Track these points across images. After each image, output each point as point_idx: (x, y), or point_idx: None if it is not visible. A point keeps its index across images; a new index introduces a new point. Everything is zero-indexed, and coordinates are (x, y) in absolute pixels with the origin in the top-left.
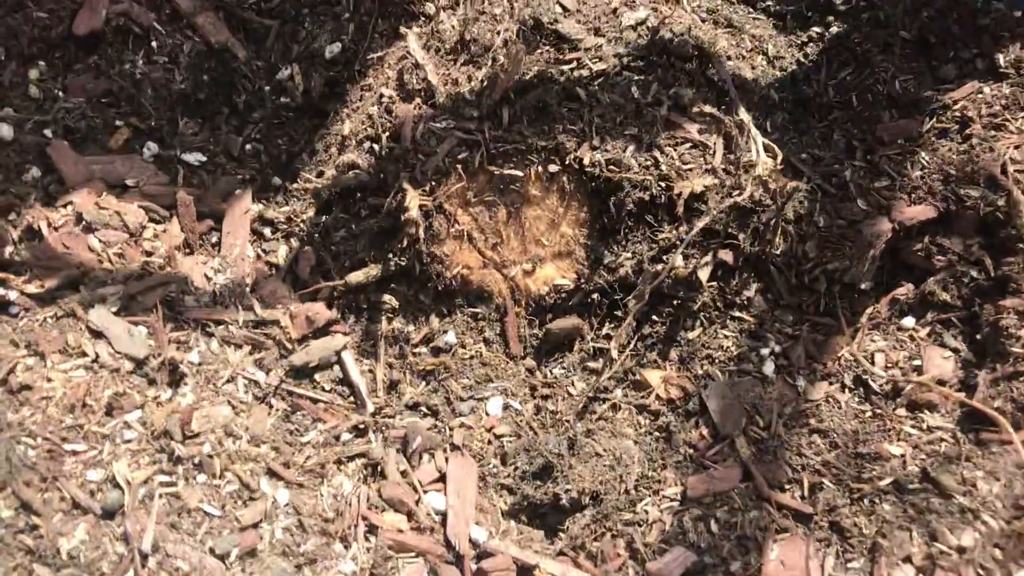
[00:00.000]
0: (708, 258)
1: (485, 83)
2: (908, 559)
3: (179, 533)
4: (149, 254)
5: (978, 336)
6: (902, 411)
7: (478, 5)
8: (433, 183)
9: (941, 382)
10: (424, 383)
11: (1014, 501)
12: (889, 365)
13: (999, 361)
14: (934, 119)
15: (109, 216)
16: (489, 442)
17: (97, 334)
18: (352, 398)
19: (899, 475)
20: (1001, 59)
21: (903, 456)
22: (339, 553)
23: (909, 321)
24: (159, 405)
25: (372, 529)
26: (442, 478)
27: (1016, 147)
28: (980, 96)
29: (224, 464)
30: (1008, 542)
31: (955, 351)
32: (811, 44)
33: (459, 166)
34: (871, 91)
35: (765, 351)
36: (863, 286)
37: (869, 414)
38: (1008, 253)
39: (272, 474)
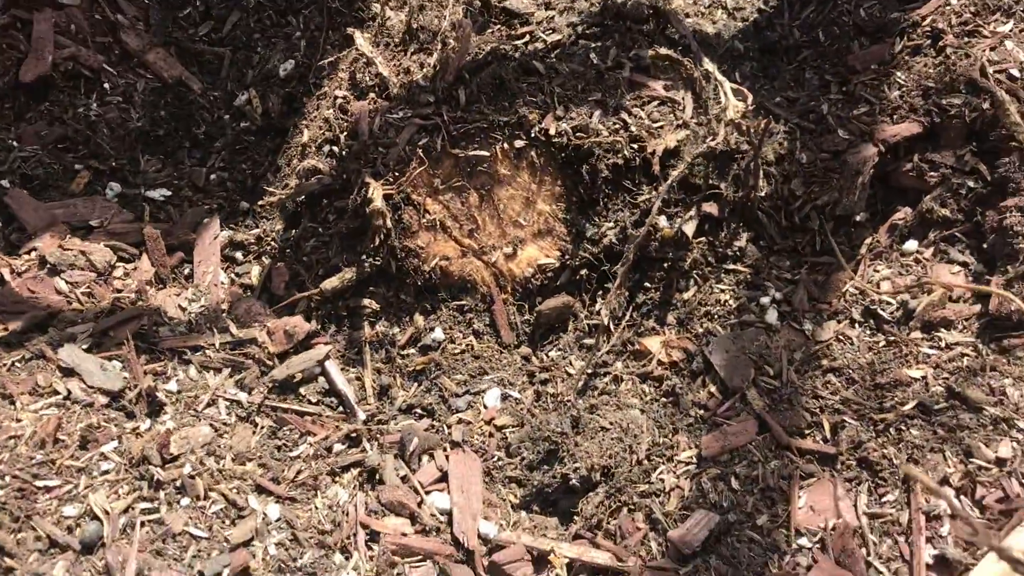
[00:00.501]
0: (692, 213)
1: (437, 67)
2: (945, 480)
3: (165, 559)
4: (119, 291)
5: (984, 245)
6: (917, 334)
7: None
8: (396, 173)
9: (953, 298)
10: (416, 384)
11: None
12: (897, 291)
13: (1010, 263)
14: (904, 39)
15: (75, 257)
16: (491, 435)
17: (68, 372)
18: (341, 408)
19: (923, 398)
20: None
21: (924, 378)
22: (340, 564)
23: (911, 244)
24: (138, 436)
25: (373, 536)
26: (444, 477)
27: (992, 48)
28: (948, 7)
29: (208, 484)
30: None
31: (964, 265)
32: None
33: (420, 152)
34: (836, 24)
35: (766, 300)
36: (858, 217)
37: (883, 344)
38: (1002, 154)
39: (261, 490)
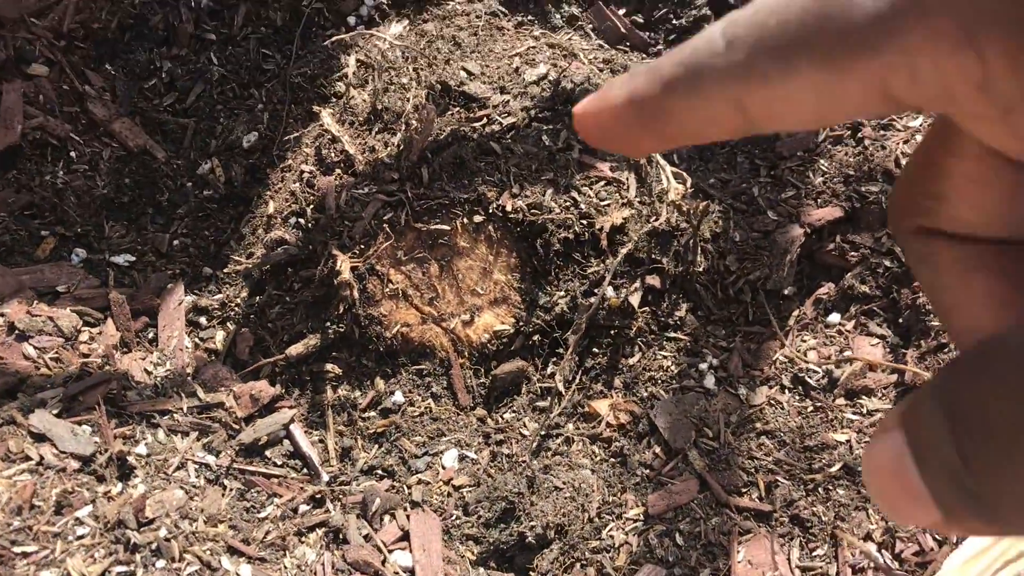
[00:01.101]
0: (637, 285)
1: (401, 146)
2: (869, 536)
3: None
4: (86, 356)
5: (900, 320)
6: (841, 400)
7: (386, 78)
8: (362, 246)
9: (872, 367)
10: (377, 446)
11: None
12: (822, 360)
13: (922, 338)
14: (827, 129)
15: (43, 323)
16: (449, 494)
17: (40, 437)
18: (306, 470)
19: (848, 460)
20: None
21: (848, 441)
22: None
23: (835, 317)
24: (110, 499)
25: None
26: (406, 536)
27: (905, 142)
28: None
29: (182, 546)
30: None
31: (882, 337)
32: None
33: (386, 226)
34: None
35: (704, 365)
36: (786, 291)
37: (811, 409)
38: None
39: (233, 551)
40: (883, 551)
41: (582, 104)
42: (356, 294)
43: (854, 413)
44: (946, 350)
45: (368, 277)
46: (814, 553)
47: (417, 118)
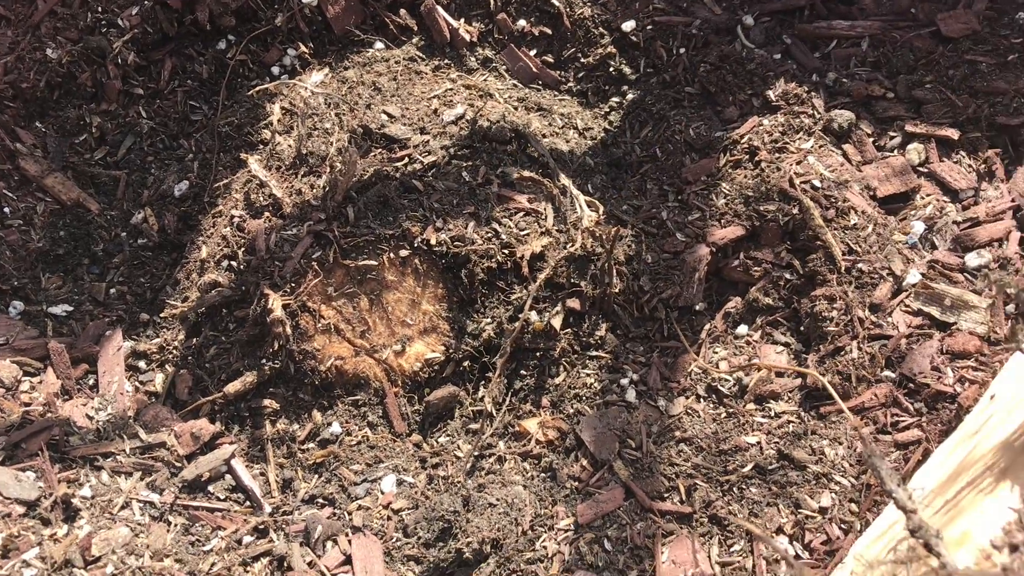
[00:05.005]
0: (558, 308)
1: (327, 187)
2: (780, 530)
3: None
4: (27, 404)
5: (801, 328)
6: (751, 406)
7: (310, 123)
8: (293, 284)
9: (779, 373)
10: (317, 476)
11: (857, 459)
12: (734, 369)
13: (821, 343)
14: (727, 154)
15: None
16: (389, 518)
17: None
18: (248, 502)
19: (759, 460)
20: (771, 95)
21: (759, 443)
22: None
23: (743, 329)
24: (56, 541)
25: None
26: (348, 560)
27: (798, 163)
28: (761, 127)
29: None
30: (860, 495)
31: (786, 345)
32: (613, 112)
33: (315, 264)
34: (671, 142)
35: (625, 381)
36: (697, 307)
37: (724, 415)
38: (810, 252)
39: None
40: (794, 542)
41: None
42: (289, 330)
43: (763, 416)
44: (842, 353)
45: (300, 314)
46: (732, 549)
47: (340, 160)
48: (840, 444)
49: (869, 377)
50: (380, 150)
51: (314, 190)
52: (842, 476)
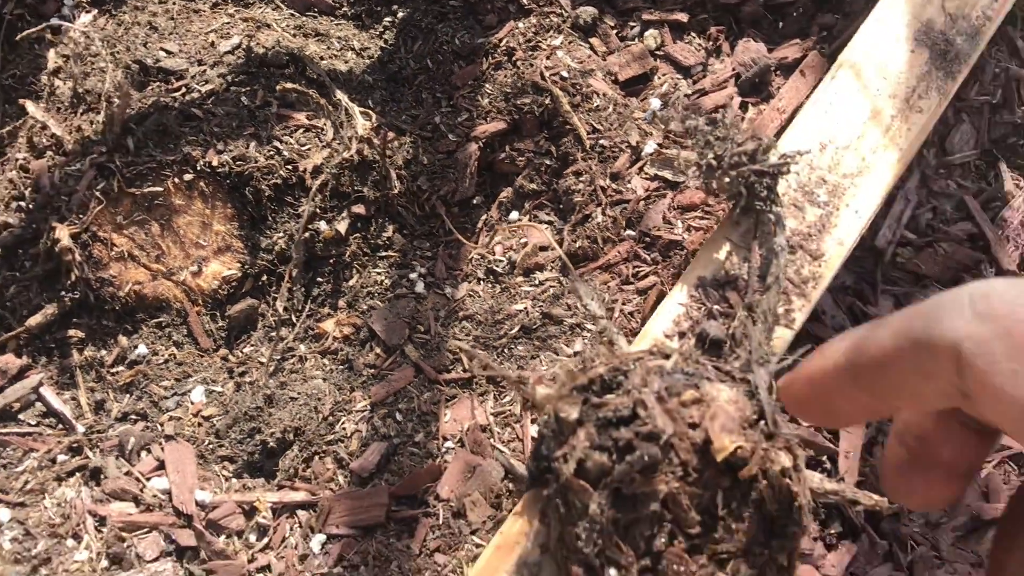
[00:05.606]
0: (344, 215)
1: (105, 122)
2: (541, 379)
3: None
4: None
5: (561, 206)
6: (520, 278)
7: (85, 65)
8: (80, 216)
9: (543, 248)
10: (128, 395)
11: (605, 306)
12: (506, 250)
13: (572, 214)
14: (489, 58)
15: None
16: (200, 424)
17: None
18: (61, 426)
19: (524, 322)
20: (524, 0)
21: (525, 308)
22: (71, 547)
23: (515, 215)
24: None
25: (102, 521)
26: (162, 465)
27: (548, 57)
28: (517, 30)
29: None
30: (601, 336)
31: (550, 223)
32: (387, 32)
33: (98, 194)
34: (440, 53)
35: (414, 275)
36: (474, 200)
37: (499, 291)
38: (562, 136)
39: None
40: None
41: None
42: (80, 258)
43: (530, 286)
44: (590, 220)
45: (92, 244)
46: (503, 401)
47: (116, 95)
48: (592, 299)
49: (613, 238)
50: (157, 83)
51: (93, 126)
52: (592, 323)
